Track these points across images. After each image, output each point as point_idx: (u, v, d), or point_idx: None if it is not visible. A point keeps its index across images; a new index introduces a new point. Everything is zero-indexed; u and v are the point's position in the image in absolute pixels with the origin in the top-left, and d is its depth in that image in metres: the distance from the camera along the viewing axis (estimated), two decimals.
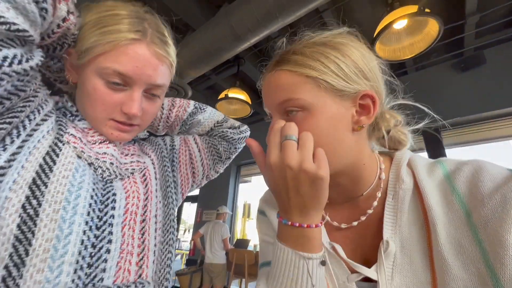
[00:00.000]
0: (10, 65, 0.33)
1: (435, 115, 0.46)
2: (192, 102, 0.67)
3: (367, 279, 0.39)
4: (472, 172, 0.36)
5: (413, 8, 1.44)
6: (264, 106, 0.45)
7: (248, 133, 0.74)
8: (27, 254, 0.33)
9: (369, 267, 0.39)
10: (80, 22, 0.45)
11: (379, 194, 0.42)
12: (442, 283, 0.32)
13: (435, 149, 2.69)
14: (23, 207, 0.35)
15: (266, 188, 0.58)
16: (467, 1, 2.03)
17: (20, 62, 0.34)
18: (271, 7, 1.66)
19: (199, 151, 0.66)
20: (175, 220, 0.55)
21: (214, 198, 4.55)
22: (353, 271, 0.40)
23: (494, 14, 2.21)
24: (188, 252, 4.98)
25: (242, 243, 4.00)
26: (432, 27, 1.48)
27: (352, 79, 0.39)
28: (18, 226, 0.34)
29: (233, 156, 0.72)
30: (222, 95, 2.57)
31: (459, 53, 2.65)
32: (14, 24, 0.32)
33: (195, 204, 5.11)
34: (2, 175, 0.35)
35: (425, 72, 2.96)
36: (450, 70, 2.78)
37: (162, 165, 0.59)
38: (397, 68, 3.03)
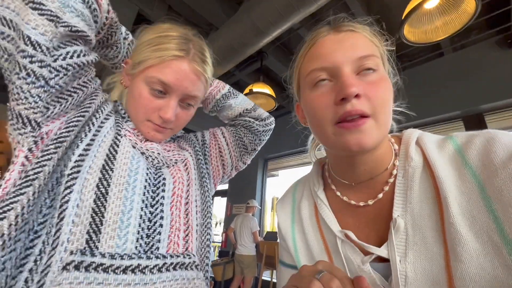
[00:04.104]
0: (71, 57, 0.43)
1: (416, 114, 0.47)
2: (227, 86, 0.74)
3: (383, 260, 0.39)
4: (484, 143, 0.35)
5: None
6: (324, 64, 0.41)
7: (273, 125, 0.77)
8: (101, 223, 0.41)
9: None
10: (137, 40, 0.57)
11: (394, 172, 0.42)
12: (454, 254, 0.32)
13: None
14: (97, 186, 0.43)
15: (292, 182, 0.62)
16: None
17: (79, 56, 0.44)
18: None
19: (227, 144, 0.72)
20: (212, 206, 0.61)
21: (243, 192, 4.67)
22: (366, 253, 0.40)
23: None
24: (220, 244, 5.18)
25: (272, 236, 4.06)
26: (468, 3, 1.34)
27: (390, 70, 0.46)
28: (94, 201, 0.42)
29: (258, 148, 0.75)
30: (246, 90, 2.60)
31: (505, 27, 2.38)
32: (75, 26, 0.41)
33: (225, 199, 5.27)
34: (82, 160, 0.44)
35: (465, 52, 2.70)
36: (495, 47, 2.51)
37: (197, 158, 0.66)
38: (431, 50, 2.81)
